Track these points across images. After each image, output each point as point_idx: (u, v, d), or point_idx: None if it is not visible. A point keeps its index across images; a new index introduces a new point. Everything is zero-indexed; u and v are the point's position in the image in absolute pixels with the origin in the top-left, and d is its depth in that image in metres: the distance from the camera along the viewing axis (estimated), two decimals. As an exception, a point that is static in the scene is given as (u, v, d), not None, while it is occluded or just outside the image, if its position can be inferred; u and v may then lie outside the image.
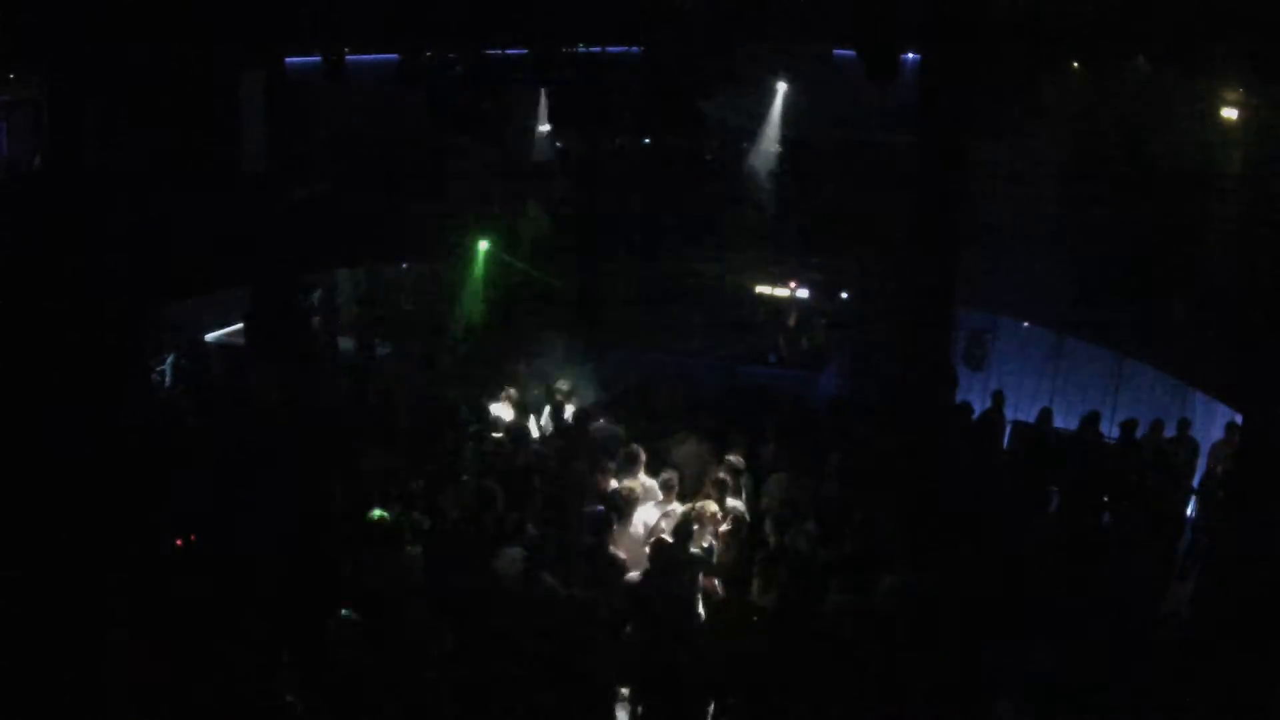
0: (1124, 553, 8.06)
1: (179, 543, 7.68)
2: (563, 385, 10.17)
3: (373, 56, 12.21)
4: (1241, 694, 5.85)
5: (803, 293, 14.22)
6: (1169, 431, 10.76)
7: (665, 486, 7.72)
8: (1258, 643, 6.38)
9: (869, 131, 12.69)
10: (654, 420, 9.79)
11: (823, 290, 14.20)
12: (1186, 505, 10.11)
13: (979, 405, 11.59)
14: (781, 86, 12.54)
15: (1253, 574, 7.30)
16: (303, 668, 5.95)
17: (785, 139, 13.76)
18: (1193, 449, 10.53)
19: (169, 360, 12.10)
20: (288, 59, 11.76)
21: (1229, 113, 9.86)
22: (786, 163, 13.82)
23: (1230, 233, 9.72)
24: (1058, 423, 12.64)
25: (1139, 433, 10.56)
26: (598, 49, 11.70)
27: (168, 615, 6.53)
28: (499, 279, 13.94)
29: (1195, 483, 10.31)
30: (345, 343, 14.79)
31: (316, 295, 14.75)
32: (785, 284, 14.24)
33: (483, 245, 13.77)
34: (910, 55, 9.79)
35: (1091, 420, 10.69)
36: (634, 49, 11.67)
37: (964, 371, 12.70)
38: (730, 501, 7.78)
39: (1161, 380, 12.02)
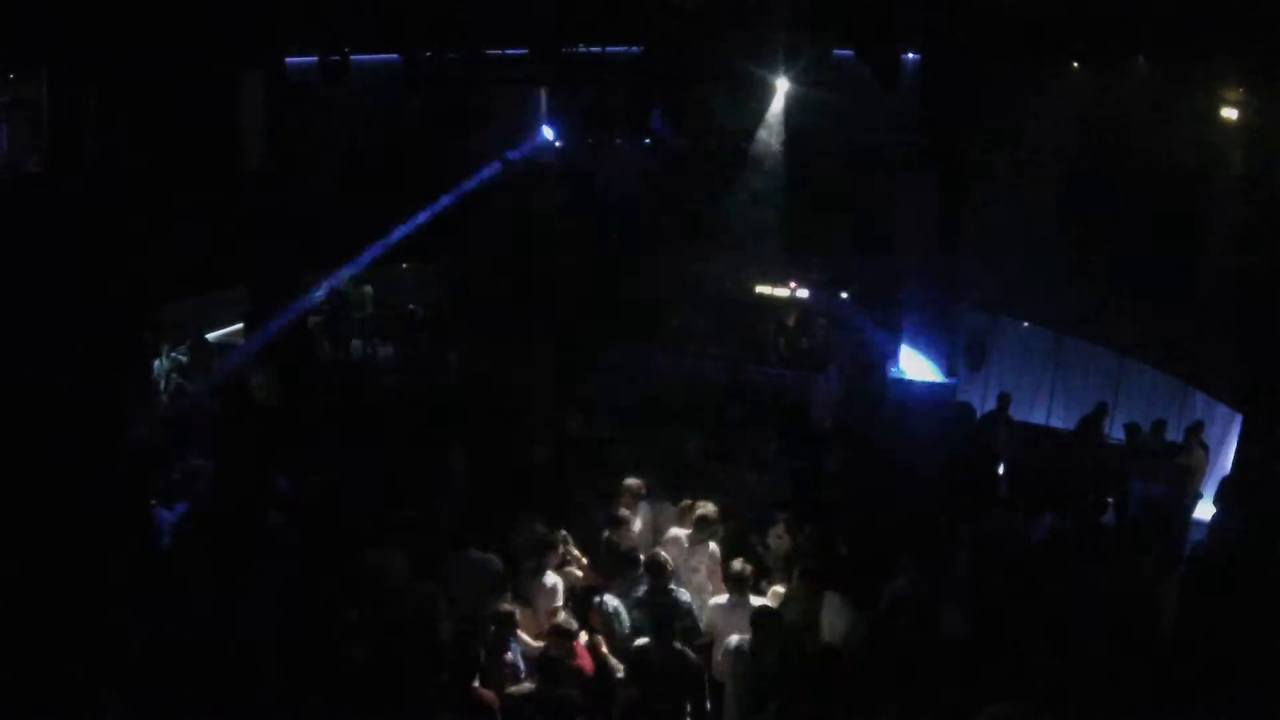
0: (1126, 553, 8.04)
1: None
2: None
3: (373, 56, 12.21)
4: (1239, 694, 5.85)
5: (803, 293, 14.21)
6: (1176, 433, 10.76)
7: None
8: (1254, 643, 6.38)
9: (869, 131, 12.68)
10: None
11: (823, 290, 14.20)
12: (1192, 506, 10.08)
13: (979, 405, 11.59)
14: (782, 86, 12.54)
15: (1250, 574, 7.31)
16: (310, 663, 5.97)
17: (785, 139, 13.76)
18: (1201, 450, 10.49)
19: (159, 361, 12.08)
20: (288, 59, 11.76)
21: (1229, 113, 9.85)
22: (787, 162, 13.82)
23: (1230, 233, 9.71)
24: (1057, 422, 12.68)
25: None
26: (598, 49, 11.70)
27: (167, 612, 6.55)
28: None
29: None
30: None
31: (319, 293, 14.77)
32: (785, 284, 14.24)
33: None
34: (910, 55, 9.79)
35: (1089, 422, 10.69)
36: (634, 49, 11.67)
37: (964, 371, 12.70)
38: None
39: (1162, 380, 12.02)
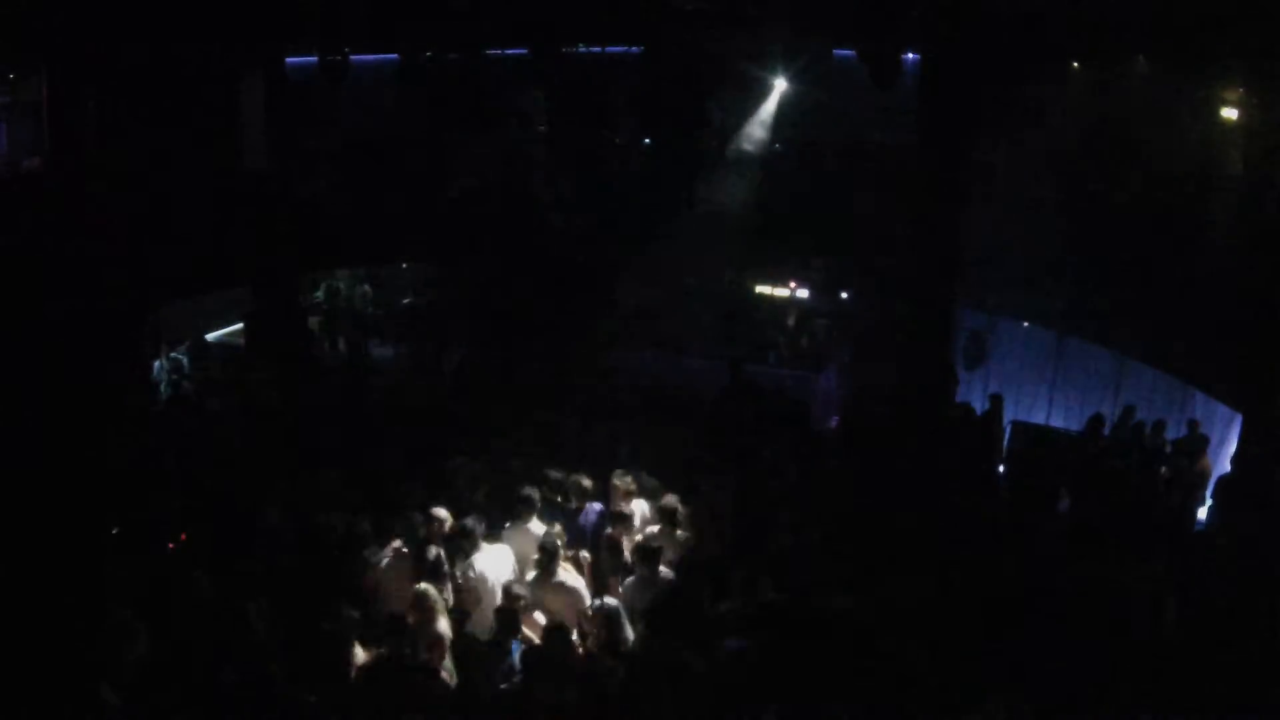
0: (1128, 553, 8.04)
1: (172, 545, 7.67)
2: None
3: (373, 56, 12.22)
4: (1236, 694, 5.85)
5: (803, 293, 14.21)
6: (1181, 432, 10.76)
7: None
8: (1252, 643, 6.38)
9: (869, 131, 12.69)
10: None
11: (823, 290, 14.19)
12: (1196, 506, 10.06)
13: (979, 405, 11.58)
14: (781, 86, 12.55)
15: (1250, 573, 7.31)
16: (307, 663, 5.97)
17: (785, 139, 13.77)
18: (1201, 449, 10.47)
19: (158, 363, 12.07)
20: (288, 59, 11.77)
21: (1229, 113, 9.85)
22: (786, 162, 13.82)
23: (1230, 232, 9.71)
24: (1056, 422, 12.67)
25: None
26: (598, 49, 11.71)
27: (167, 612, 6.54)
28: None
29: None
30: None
31: (319, 293, 14.77)
32: (785, 284, 14.23)
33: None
34: (910, 55, 9.80)
35: (1096, 422, 10.68)
36: (634, 49, 11.68)
37: (963, 371, 12.69)
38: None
39: (1161, 380, 12.02)
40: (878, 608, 6.61)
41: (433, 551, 6.88)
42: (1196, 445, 10.31)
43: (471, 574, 6.83)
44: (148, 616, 6.30)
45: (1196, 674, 5.96)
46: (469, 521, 7.09)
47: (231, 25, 10.46)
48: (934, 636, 6.36)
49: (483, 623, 6.60)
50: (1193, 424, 10.66)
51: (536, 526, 7.32)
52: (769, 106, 13.01)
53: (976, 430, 10.85)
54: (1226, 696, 5.74)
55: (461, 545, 6.97)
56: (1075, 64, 10.57)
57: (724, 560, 7.13)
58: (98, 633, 5.96)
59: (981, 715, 5.33)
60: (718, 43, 11.04)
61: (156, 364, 12.08)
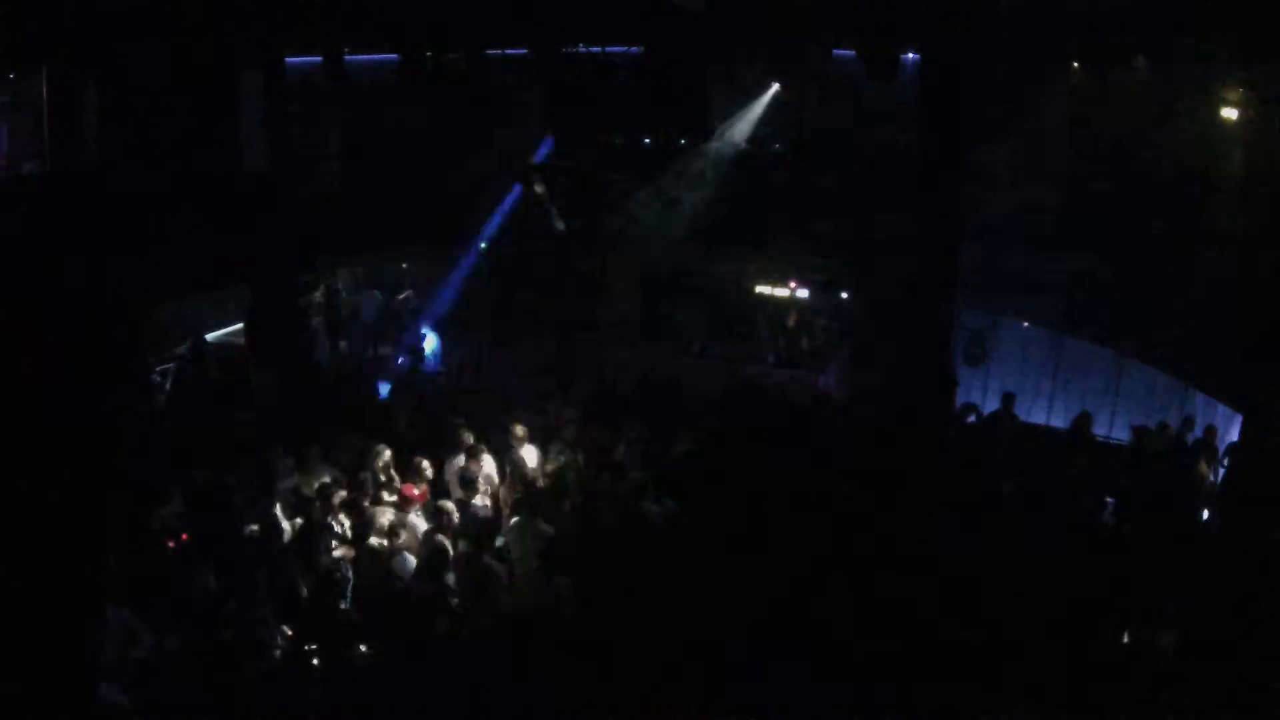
0: (1133, 554, 8.04)
1: (173, 543, 7.66)
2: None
3: (373, 56, 12.22)
4: (1239, 695, 5.85)
5: (803, 293, 14.20)
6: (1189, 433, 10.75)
7: None
8: (1256, 644, 6.38)
9: (869, 131, 12.68)
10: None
11: (823, 290, 14.19)
12: (1201, 509, 10.05)
13: (980, 405, 11.57)
14: (780, 85, 12.53)
15: (1253, 575, 7.31)
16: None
17: (784, 139, 13.76)
18: (1211, 454, 10.45)
19: (169, 366, 12.06)
20: (288, 59, 11.76)
21: (1229, 113, 9.86)
22: (786, 162, 13.81)
23: (1230, 232, 9.72)
24: (1056, 423, 12.68)
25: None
26: (598, 49, 11.70)
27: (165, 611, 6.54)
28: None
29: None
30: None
31: (319, 294, 14.75)
32: (785, 284, 14.22)
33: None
34: (910, 55, 9.81)
35: (1084, 421, 10.66)
36: (634, 49, 11.67)
37: (964, 370, 12.69)
38: None
39: (1161, 380, 12.03)
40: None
41: (440, 541, 6.91)
42: (1208, 452, 10.29)
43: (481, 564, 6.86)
44: (148, 617, 6.31)
45: (1199, 675, 5.96)
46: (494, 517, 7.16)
47: (231, 25, 10.45)
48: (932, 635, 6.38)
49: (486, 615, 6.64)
50: (1210, 430, 10.61)
51: (543, 525, 7.36)
52: (768, 105, 13.01)
53: (979, 432, 10.85)
54: (1230, 698, 5.74)
55: (479, 538, 7.02)
56: (1075, 64, 10.58)
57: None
58: (98, 633, 5.96)
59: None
60: (719, 43, 11.04)
61: (158, 365, 12.08)
